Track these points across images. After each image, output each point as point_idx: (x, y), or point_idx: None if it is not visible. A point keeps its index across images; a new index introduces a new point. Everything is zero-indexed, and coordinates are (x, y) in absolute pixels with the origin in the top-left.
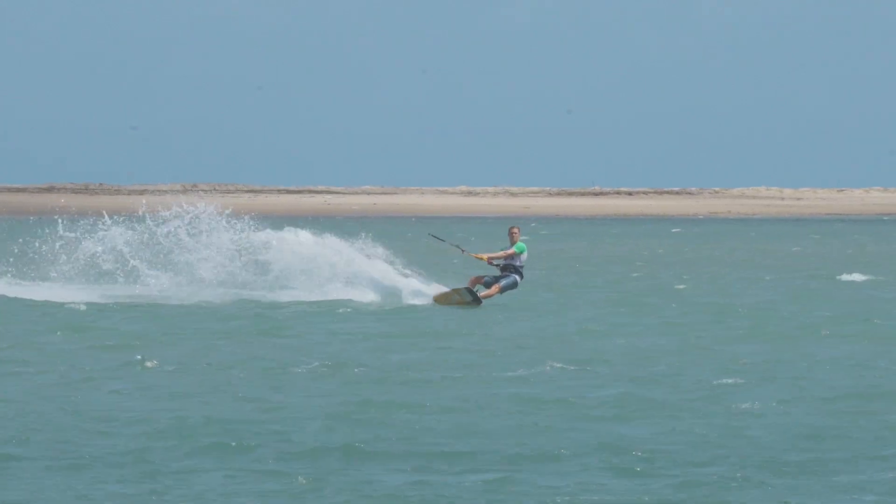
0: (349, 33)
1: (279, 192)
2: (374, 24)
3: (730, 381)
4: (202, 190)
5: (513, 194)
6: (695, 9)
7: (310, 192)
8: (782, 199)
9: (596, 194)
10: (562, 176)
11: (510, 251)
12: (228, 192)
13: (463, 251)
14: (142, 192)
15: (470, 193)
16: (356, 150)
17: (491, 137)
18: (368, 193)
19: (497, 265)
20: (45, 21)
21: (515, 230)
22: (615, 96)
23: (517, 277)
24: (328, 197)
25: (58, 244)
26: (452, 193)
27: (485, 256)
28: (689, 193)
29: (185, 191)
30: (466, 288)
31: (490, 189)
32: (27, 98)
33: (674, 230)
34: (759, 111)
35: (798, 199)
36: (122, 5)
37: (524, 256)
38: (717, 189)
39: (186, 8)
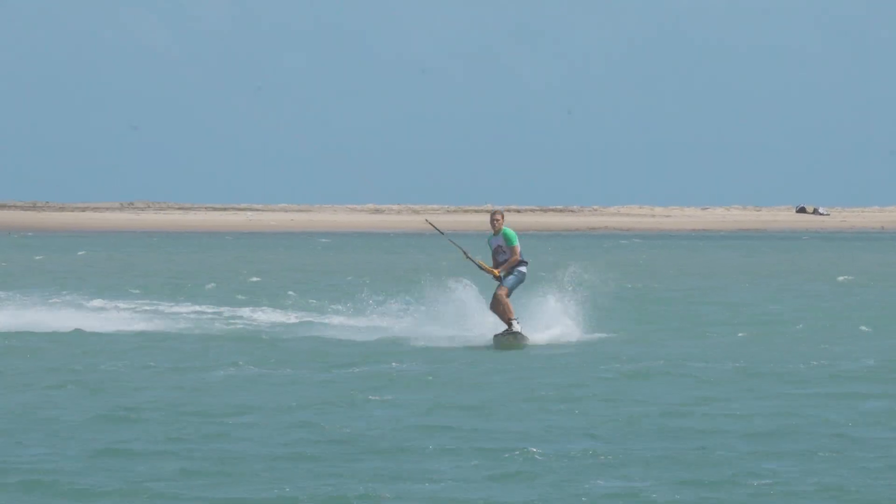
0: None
1: (206, 209)
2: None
3: None
4: (137, 207)
5: (415, 211)
6: (558, 37)
7: (234, 209)
8: (653, 216)
9: (489, 212)
10: (458, 194)
11: (514, 256)
12: (161, 209)
13: (466, 255)
14: (84, 209)
15: (377, 211)
16: (273, 170)
17: (397, 158)
18: (286, 211)
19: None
20: None
21: (499, 216)
22: (503, 120)
23: (522, 269)
24: (249, 214)
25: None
26: (361, 211)
27: (496, 270)
28: (571, 211)
29: (122, 208)
30: (510, 331)
31: (395, 207)
32: None
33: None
34: (633, 135)
35: (667, 216)
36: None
37: (518, 245)
38: (595, 207)
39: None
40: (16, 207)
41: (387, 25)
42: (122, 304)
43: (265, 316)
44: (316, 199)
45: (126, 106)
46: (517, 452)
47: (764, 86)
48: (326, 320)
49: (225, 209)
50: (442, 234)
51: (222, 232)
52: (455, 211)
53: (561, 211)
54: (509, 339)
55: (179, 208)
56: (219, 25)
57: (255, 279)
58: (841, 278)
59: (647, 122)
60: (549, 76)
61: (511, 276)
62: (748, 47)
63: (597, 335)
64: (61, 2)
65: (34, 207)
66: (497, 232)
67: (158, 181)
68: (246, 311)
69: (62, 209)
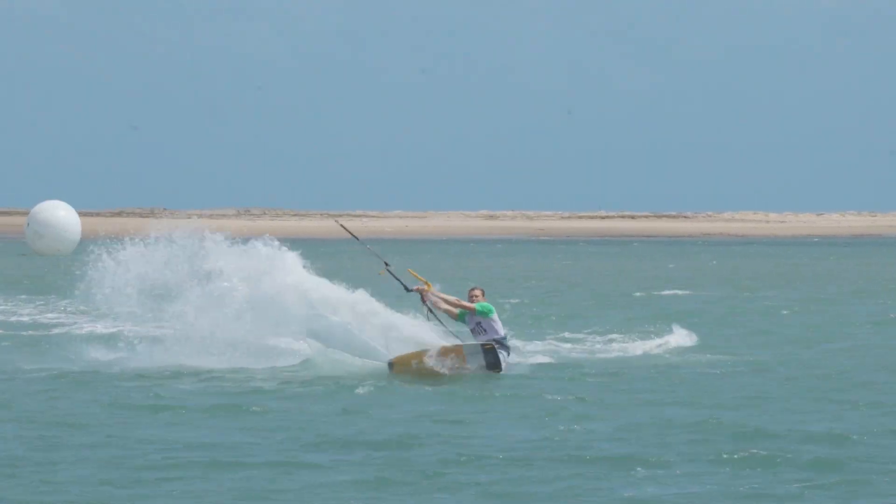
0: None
1: (321, 216)
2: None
3: None
4: (253, 214)
5: (529, 217)
6: (669, 46)
7: (349, 215)
8: (767, 221)
9: (602, 217)
10: (570, 200)
11: (468, 303)
12: (277, 215)
13: (386, 265)
14: (200, 216)
15: (491, 217)
16: (388, 176)
17: (510, 164)
18: (401, 217)
19: (428, 309)
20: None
21: (477, 292)
22: (615, 127)
23: (504, 354)
24: (365, 220)
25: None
26: (475, 217)
27: (428, 287)
28: (685, 217)
29: (238, 214)
30: (482, 345)
31: (509, 213)
32: (94, 130)
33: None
34: (746, 140)
35: (782, 222)
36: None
37: (495, 323)
38: (709, 213)
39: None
40: (134, 214)
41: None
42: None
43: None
44: (429, 206)
45: (240, 114)
46: None
47: (881, 91)
48: None
49: (340, 215)
50: (357, 239)
51: (346, 238)
52: (569, 217)
53: (675, 217)
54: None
55: (295, 215)
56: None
57: None
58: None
59: (760, 126)
60: (651, 82)
61: (492, 355)
62: (868, 51)
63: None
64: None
65: (151, 214)
66: (473, 309)
67: (275, 187)
68: None
69: (174, 215)
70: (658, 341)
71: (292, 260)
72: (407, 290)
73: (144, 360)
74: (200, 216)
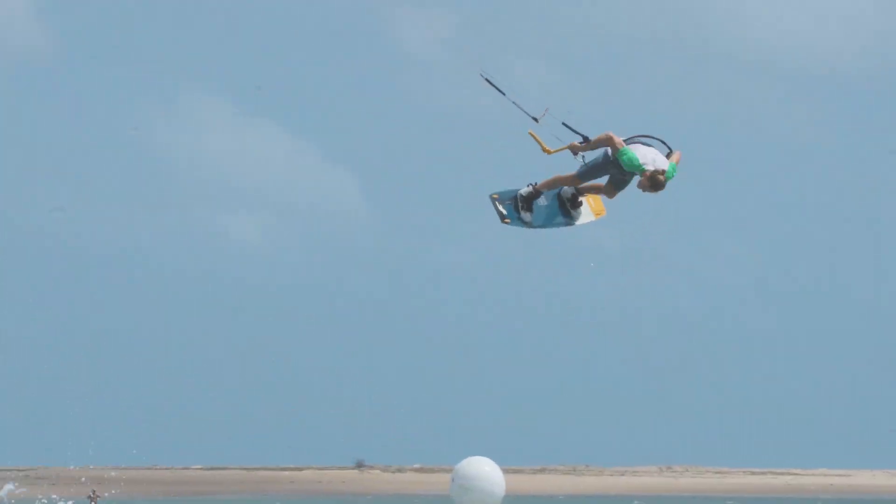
0: None
1: (743, 472)
2: None
3: None
4: (675, 471)
5: (719, 473)
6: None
7: (772, 473)
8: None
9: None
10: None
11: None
12: (699, 473)
13: (535, 120)
14: (623, 473)
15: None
16: (813, 431)
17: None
18: (825, 475)
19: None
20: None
21: (658, 175)
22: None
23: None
24: (789, 479)
25: None
26: (644, 474)
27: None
28: None
29: (660, 472)
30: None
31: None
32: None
33: None
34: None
35: None
36: None
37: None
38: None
39: None
40: (557, 471)
41: None
42: None
43: None
44: (855, 463)
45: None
46: None
47: None
48: None
49: (763, 473)
50: (503, 94)
51: (751, 497)
52: (752, 473)
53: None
54: None
55: (717, 472)
56: None
57: None
58: None
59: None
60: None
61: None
62: None
63: None
64: None
65: (574, 471)
66: (662, 182)
67: (696, 443)
68: None
69: (600, 473)
70: None
71: None
72: (547, 151)
73: None
74: (623, 473)
